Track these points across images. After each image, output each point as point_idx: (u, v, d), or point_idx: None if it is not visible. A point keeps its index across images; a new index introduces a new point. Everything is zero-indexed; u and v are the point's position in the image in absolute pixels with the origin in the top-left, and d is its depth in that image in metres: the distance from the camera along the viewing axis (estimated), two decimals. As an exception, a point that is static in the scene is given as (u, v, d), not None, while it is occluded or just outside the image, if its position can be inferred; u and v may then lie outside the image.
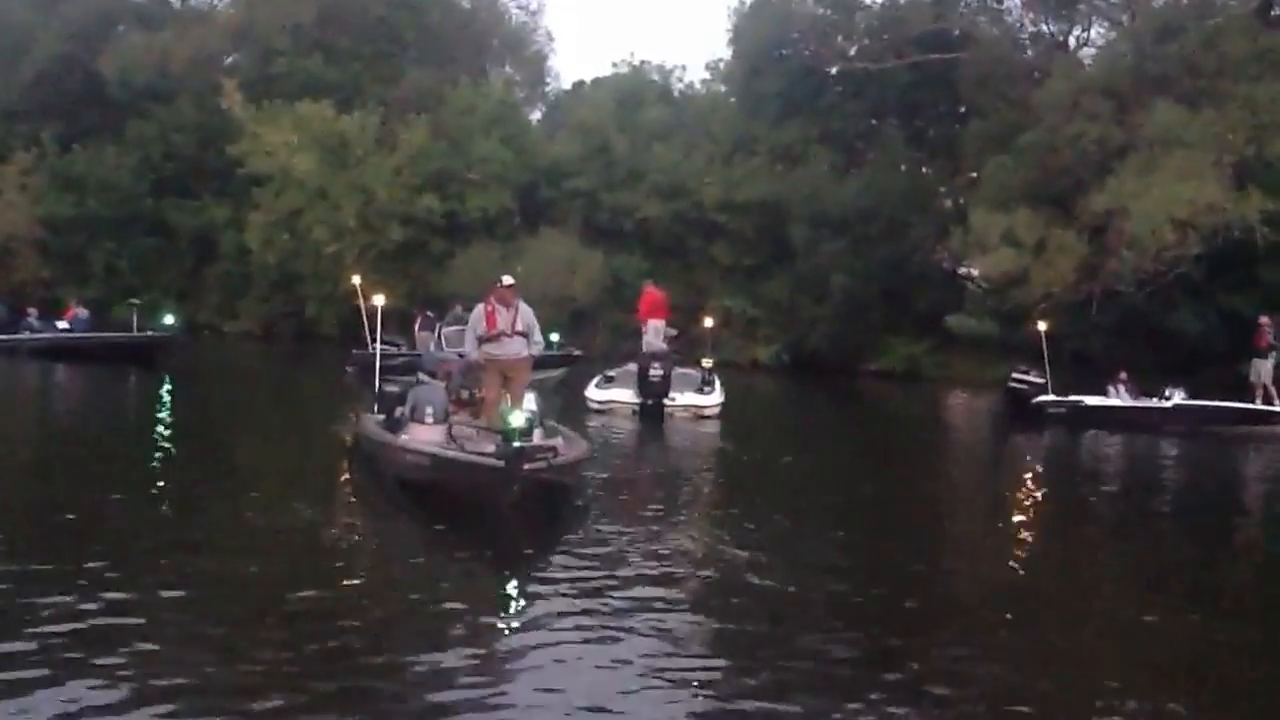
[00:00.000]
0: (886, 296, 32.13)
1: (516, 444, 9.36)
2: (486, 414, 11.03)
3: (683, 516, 10.47)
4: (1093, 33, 35.34)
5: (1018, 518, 11.51)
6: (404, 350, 24.01)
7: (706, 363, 21.62)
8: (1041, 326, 22.18)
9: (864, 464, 15.82)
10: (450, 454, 10.03)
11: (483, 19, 45.46)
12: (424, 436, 10.96)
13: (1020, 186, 29.38)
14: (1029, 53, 35.31)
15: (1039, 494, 13.52)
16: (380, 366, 14.34)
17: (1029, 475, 15.22)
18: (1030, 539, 10.48)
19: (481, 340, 11.37)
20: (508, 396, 11.19)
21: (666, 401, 19.92)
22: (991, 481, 15.05)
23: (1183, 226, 25.48)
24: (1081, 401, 20.86)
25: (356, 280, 24.94)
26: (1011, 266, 27.84)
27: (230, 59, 43.32)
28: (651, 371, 20.05)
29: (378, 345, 15.35)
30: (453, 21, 43.89)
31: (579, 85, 47.60)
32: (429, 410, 11.32)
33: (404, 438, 11.00)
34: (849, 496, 12.46)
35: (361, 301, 24.52)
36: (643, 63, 41.47)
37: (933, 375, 30.86)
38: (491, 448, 10.09)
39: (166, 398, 19.27)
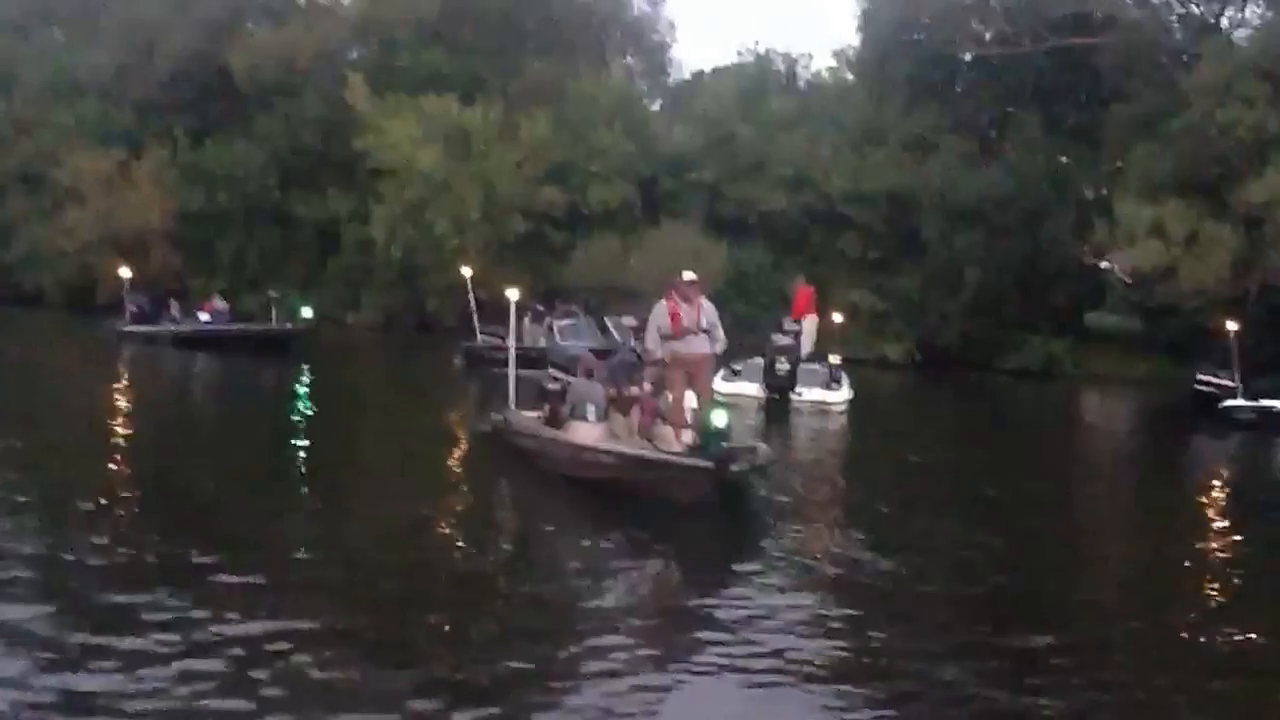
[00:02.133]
0: (1022, 291, 30.88)
1: (724, 445, 9.58)
2: (674, 414, 10.94)
3: (819, 517, 10.26)
4: (1247, 12, 33.42)
5: (1191, 532, 10.57)
6: (507, 342, 23.83)
7: (834, 358, 21.16)
8: (1232, 326, 20.81)
9: (1013, 466, 14.98)
10: (651, 455, 10.17)
11: (604, 9, 44.97)
12: (587, 434, 10.99)
13: (1169, 176, 27.94)
14: (1177, 35, 33.60)
15: (1220, 507, 12.46)
16: (515, 358, 14.06)
17: (1211, 485, 14.18)
18: (1203, 556, 9.60)
19: (665, 338, 11.00)
20: (691, 395, 11.04)
21: (793, 396, 19.62)
22: (1166, 489, 13.91)
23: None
24: (1275, 407, 19.51)
25: (468, 272, 24.84)
26: (1160, 260, 26.47)
27: (354, 53, 43.62)
28: (778, 365, 19.77)
29: (512, 340, 14.87)
30: (574, 12, 43.50)
31: (699, 75, 46.99)
32: (590, 408, 11.23)
33: (579, 436, 11.01)
34: (998, 500, 11.78)
35: (472, 293, 24.45)
36: (767, 51, 40.57)
37: (1071, 373, 29.52)
38: (677, 447, 10.33)
39: (303, 388, 19.55)
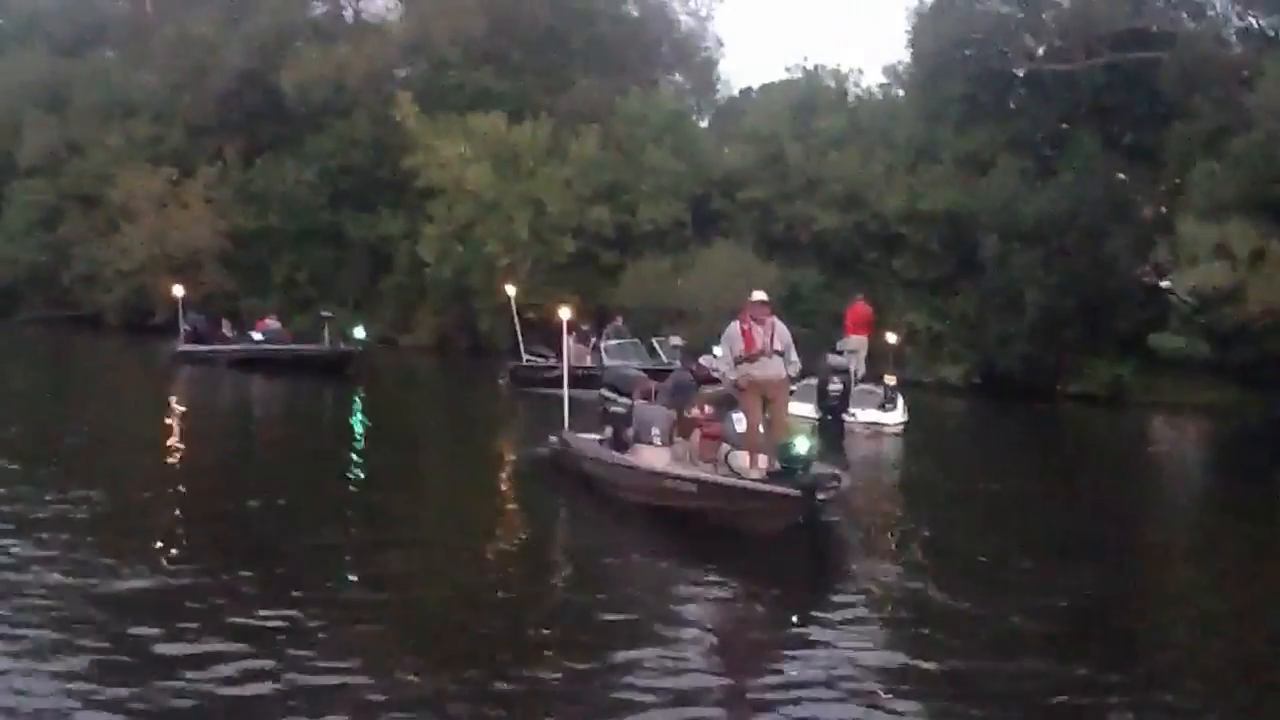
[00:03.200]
0: (1085, 313, 30.24)
1: (815, 471, 9.45)
2: (750, 439, 10.68)
3: (888, 549, 10.16)
4: (1311, 25, 32.85)
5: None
6: (550, 362, 23.89)
7: (890, 379, 20.95)
8: None
9: (1091, 500, 14.49)
10: (737, 482, 9.90)
11: (651, 26, 44.87)
12: (653, 458, 10.91)
13: (1233, 194, 27.37)
14: (1237, 49, 33.07)
15: None
16: (567, 379, 13.92)
17: None
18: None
19: (739, 360, 10.79)
20: (768, 420, 10.84)
21: (846, 417, 19.38)
22: (1247, 527, 13.24)
23: None
24: None
25: (512, 291, 24.94)
26: (1225, 281, 25.94)
27: (403, 72, 43.71)
28: (830, 386, 19.56)
29: (566, 360, 14.77)
30: (621, 30, 43.43)
31: (747, 92, 46.78)
32: (655, 432, 11.13)
33: (646, 460, 10.93)
34: (1078, 536, 11.36)
35: (516, 312, 24.46)
36: (817, 67, 40.26)
37: (1138, 399, 28.96)
38: (754, 473, 10.12)
39: (358, 410, 19.61)
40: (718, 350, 12.55)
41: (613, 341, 24.91)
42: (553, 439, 13.08)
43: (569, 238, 36.76)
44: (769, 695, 5.98)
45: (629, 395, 12.77)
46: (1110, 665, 6.78)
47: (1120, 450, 22.08)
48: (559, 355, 24.50)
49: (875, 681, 6.26)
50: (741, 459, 10.77)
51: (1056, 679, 6.49)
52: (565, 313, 15.10)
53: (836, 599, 8.06)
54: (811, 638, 7.15)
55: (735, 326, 10.94)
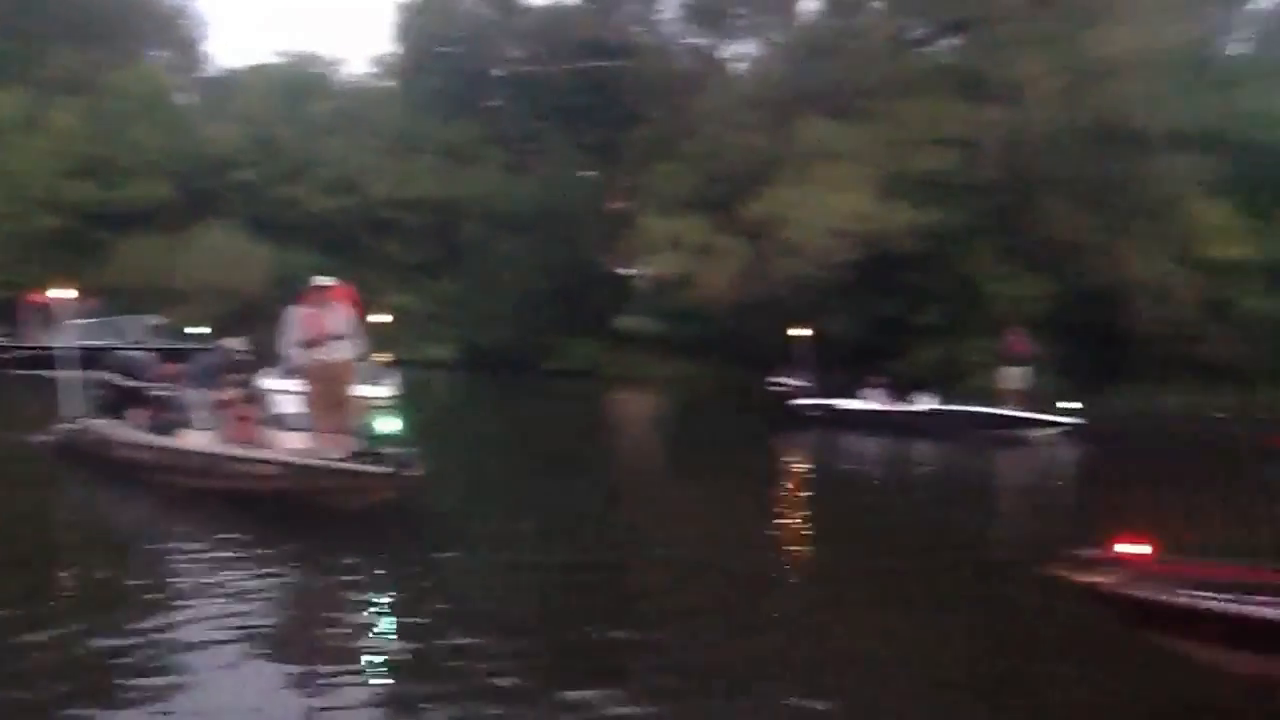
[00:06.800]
0: (563, 296, 32.98)
1: (404, 450, 9.40)
2: (321, 421, 10.51)
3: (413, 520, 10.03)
4: (743, 47, 37.09)
5: (763, 514, 11.36)
6: (13, 342, 22.87)
7: (383, 357, 22.01)
8: (806, 332, 22.51)
9: (562, 462, 15.58)
10: (327, 463, 9.61)
11: (134, -1, 42.97)
12: (200, 443, 10.75)
13: (686, 192, 30.45)
14: (684, 63, 36.71)
15: (790, 491, 13.56)
16: (76, 360, 13.17)
17: (778, 473, 15.36)
18: (766, 539, 10.25)
19: (306, 345, 10.46)
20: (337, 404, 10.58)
21: None
22: (694, 484, 14.44)
23: (838, 234, 26.02)
24: (834, 405, 21.12)
25: None
26: (679, 269, 28.96)
27: None
28: None
29: (74, 343, 13.96)
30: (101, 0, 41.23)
31: (234, 73, 46.09)
32: (201, 416, 11.06)
33: (197, 444, 10.73)
34: (580, 498, 11.96)
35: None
36: (308, 54, 40.60)
37: (609, 373, 31.74)
38: (336, 453, 9.74)
39: None
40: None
41: (80, 321, 24.02)
42: (67, 425, 12.42)
43: (47, 212, 34.63)
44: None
45: (140, 378, 12.35)
46: (611, 618, 7.23)
47: (587, 417, 24.13)
48: (21, 334, 23.31)
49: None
50: (276, 439, 10.72)
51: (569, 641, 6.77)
52: (69, 293, 14.46)
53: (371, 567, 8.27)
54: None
55: (296, 312, 10.51)
